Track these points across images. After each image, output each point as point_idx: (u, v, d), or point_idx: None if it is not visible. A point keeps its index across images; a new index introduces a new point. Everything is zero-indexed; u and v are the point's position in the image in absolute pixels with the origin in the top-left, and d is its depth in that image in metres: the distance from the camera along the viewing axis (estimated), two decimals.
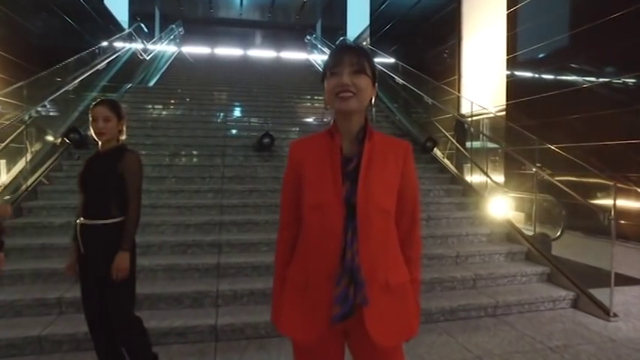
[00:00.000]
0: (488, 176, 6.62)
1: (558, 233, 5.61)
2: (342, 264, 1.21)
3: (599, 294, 3.72)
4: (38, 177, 4.85)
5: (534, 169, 4.70)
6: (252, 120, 7.38)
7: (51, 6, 7.84)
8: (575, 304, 3.77)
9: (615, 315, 3.53)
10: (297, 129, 7.27)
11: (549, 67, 8.72)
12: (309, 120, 8.08)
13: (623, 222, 6.27)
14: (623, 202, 5.96)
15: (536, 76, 9.09)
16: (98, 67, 7.08)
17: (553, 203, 5.75)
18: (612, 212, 3.61)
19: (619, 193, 5.46)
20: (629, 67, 7.02)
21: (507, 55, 9.78)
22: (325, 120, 1.34)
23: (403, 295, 1.30)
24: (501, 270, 4.02)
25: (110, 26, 12.46)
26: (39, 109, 5.42)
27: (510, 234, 4.67)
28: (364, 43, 18.12)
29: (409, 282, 1.33)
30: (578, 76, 8.07)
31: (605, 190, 5.74)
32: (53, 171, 5.09)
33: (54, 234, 4.01)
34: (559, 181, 4.78)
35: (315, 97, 9.37)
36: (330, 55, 1.29)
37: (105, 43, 8.26)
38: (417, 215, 1.38)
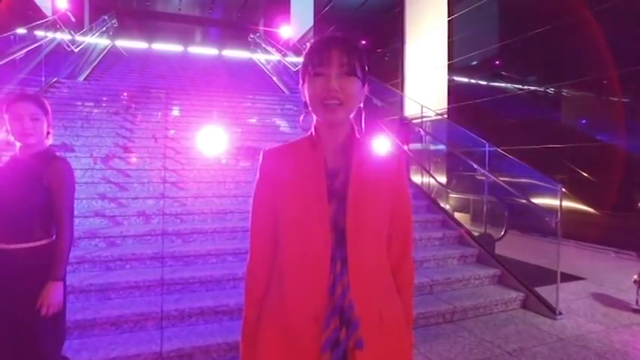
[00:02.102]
0: (434, 179, 6.75)
1: (502, 233, 5.83)
2: (330, 301, 1.01)
3: (544, 292, 3.86)
4: None
5: (484, 172, 4.79)
6: (193, 119, 6.93)
7: None
8: (524, 305, 3.87)
9: (560, 313, 3.67)
10: (241, 130, 6.95)
11: (485, 74, 9.15)
12: (253, 120, 7.80)
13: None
14: (551, 201, 6.32)
15: (474, 81, 9.50)
16: (14, 56, 6.25)
17: (495, 204, 5.97)
18: (558, 215, 3.74)
19: (548, 193, 5.78)
20: (550, 79, 7.56)
21: (448, 60, 10.13)
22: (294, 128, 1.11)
23: (398, 331, 1.11)
24: (456, 274, 4.03)
25: (29, 12, 11.25)
26: None
27: (462, 237, 4.73)
28: (308, 44, 18.02)
29: (402, 315, 1.15)
30: (509, 84, 8.55)
31: (539, 191, 6.08)
32: None
33: None
34: (495, 181, 4.96)
35: (257, 98, 9.07)
36: (314, 49, 1.05)
37: (23, 30, 7.36)
38: (410, 238, 1.20)
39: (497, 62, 8.86)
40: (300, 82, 1.12)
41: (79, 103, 7.11)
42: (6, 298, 1.76)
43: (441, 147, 9.36)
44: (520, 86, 8.27)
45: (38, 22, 8.17)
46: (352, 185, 1.06)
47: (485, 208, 5.29)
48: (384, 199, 1.10)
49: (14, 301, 1.75)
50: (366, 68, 1.11)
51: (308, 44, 1.12)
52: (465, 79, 9.81)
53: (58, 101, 6.88)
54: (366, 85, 1.13)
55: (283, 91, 10.28)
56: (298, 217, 1.06)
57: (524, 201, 4.64)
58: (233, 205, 4.54)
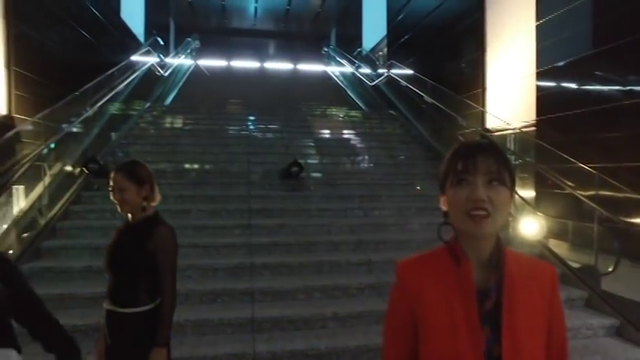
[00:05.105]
0: (523, 199, 6.23)
1: (610, 269, 5.17)
2: None
3: None
4: (56, 212, 4.58)
5: (595, 206, 4.28)
6: (276, 142, 7.07)
7: (67, 19, 7.63)
8: None
9: None
10: (321, 152, 6.95)
11: (582, 82, 8.28)
12: (332, 142, 7.78)
13: None
14: None
15: (571, 91, 8.64)
16: (117, 89, 6.83)
17: (600, 230, 5.32)
18: None
19: None
20: None
21: (538, 68, 9.36)
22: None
23: None
24: None
25: (126, 39, 12.29)
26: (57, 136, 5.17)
27: (566, 276, 4.26)
28: (380, 54, 17.79)
29: None
30: (618, 92, 7.64)
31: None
32: (72, 204, 4.81)
33: (73, 281, 3.73)
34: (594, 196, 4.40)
35: (335, 117, 9.04)
36: (457, 154, 0.97)
37: (123, 63, 8.01)
38: None
39: (598, 69, 7.99)
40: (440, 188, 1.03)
41: (167, 127, 7.57)
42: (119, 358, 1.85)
43: (528, 162, 8.68)
44: (627, 94, 7.35)
45: (137, 55, 8.84)
46: (506, 308, 0.94)
47: (586, 237, 4.74)
48: (540, 322, 0.98)
49: None
50: (514, 179, 1.00)
51: (451, 152, 1.01)
52: (557, 89, 8.98)
53: (149, 126, 7.38)
54: (514, 195, 1.01)
55: (360, 107, 10.19)
56: (447, 346, 0.94)
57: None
58: (318, 236, 4.51)
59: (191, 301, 3.59)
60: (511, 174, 0.98)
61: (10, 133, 4.57)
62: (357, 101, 10.68)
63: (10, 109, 5.29)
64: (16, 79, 5.40)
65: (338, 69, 13.86)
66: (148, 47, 9.77)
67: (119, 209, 1.93)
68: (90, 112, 5.81)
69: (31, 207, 4.49)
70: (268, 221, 4.76)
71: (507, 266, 0.97)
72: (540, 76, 9.31)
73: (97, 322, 2.86)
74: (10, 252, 3.84)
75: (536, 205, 8.25)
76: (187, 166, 5.97)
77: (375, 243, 4.47)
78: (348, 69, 12.91)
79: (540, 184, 8.71)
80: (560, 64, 8.80)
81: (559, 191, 7.84)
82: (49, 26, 6.62)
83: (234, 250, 4.26)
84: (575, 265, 4.64)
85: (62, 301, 3.44)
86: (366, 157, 7.00)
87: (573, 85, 8.50)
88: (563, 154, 5.94)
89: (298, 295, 3.72)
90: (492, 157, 0.94)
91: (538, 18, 9.44)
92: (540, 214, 7.52)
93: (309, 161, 6.21)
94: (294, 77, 13.97)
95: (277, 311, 3.45)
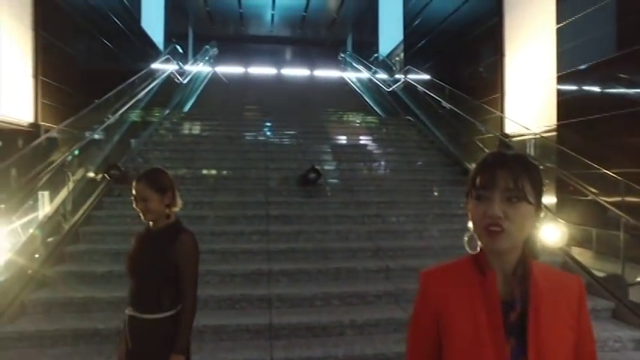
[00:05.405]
0: (547, 209, 6.09)
1: (639, 278, 5.00)
2: None
3: None
4: (80, 217, 4.68)
5: (620, 214, 4.16)
6: (293, 149, 7.10)
7: (90, 30, 7.86)
8: None
9: None
10: (339, 159, 6.95)
11: (606, 86, 8.09)
12: (350, 143, 7.77)
13: None
14: None
15: (594, 94, 8.44)
16: (137, 97, 6.98)
17: (626, 238, 5.16)
18: None
19: None
20: None
21: (558, 72, 9.18)
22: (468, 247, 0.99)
23: None
24: None
25: (146, 48, 12.56)
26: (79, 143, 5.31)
27: (591, 285, 4.14)
28: (396, 59, 17.75)
29: None
30: None
31: None
32: (94, 209, 4.92)
33: (96, 285, 3.79)
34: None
35: (353, 124, 9.03)
36: (478, 169, 0.96)
37: (143, 71, 8.18)
38: None
39: (622, 71, 7.77)
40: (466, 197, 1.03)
41: (185, 134, 7.67)
42: None
43: (549, 167, 8.50)
44: None
45: (157, 63, 9.02)
46: (532, 319, 0.93)
47: (621, 253, 4.59)
48: (567, 336, 0.97)
49: None
50: (542, 192, 0.98)
51: (475, 166, 1.00)
52: (579, 93, 8.79)
53: (168, 133, 7.50)
54: (542, 207, 0.98)
55: (377, 112, 10.17)
56: (471, 356, 0.94)
57: None
58: (336, 242, 4.50)
59: (209, 307, 3.61)
60: (536, 187, 0.95)
61: (37, 141, 4.72)
62: (374, 107, 10.66)
63: (36, 117, 5.47)
64: (43, 88, 5.59)
65: (354, 75, 13.86)
66: (168, 55, 9.94)
67: (142, 218, 1.95)
68: (112, 119, 5.95)
69: (56, 212, 4.61)
70: (286, 227, 4.78)
71: (533, 278, 0.96)
72: (561, 79, 9.12)
73: (118, 326, 2.90)
74: (36, 256, 3.94)
75: (557, 211, 8.07)
76: (205, 172, 6.04)
77: (392, 250, 4.45)
78: (365, 75, 12.90)
79: (562, 190, 8.51)
80: (582, 67, 8.61)
81: (582, 197, 7.65)
82: (73, 37, 6.83)
83: (252, 256, 4.28)
84: (600, 274, 4.52)
85: (85, 305, 3.53)
86: (384, 163, 6.97)
87: (596, 89, 8.29)
88: (585, 160, 5.79)
89: (316, 302, 3.71)
90: (513, 172, 0.92)
91: (559, 21, 9.27)
92: (562, 221, 7.34)
93: (327, 167, 6.22)
94: (311, 83, 14.03)
95: (295, 318, 3.45)
